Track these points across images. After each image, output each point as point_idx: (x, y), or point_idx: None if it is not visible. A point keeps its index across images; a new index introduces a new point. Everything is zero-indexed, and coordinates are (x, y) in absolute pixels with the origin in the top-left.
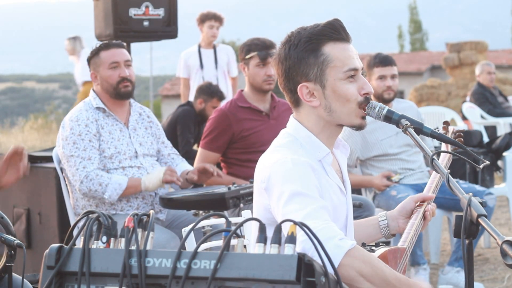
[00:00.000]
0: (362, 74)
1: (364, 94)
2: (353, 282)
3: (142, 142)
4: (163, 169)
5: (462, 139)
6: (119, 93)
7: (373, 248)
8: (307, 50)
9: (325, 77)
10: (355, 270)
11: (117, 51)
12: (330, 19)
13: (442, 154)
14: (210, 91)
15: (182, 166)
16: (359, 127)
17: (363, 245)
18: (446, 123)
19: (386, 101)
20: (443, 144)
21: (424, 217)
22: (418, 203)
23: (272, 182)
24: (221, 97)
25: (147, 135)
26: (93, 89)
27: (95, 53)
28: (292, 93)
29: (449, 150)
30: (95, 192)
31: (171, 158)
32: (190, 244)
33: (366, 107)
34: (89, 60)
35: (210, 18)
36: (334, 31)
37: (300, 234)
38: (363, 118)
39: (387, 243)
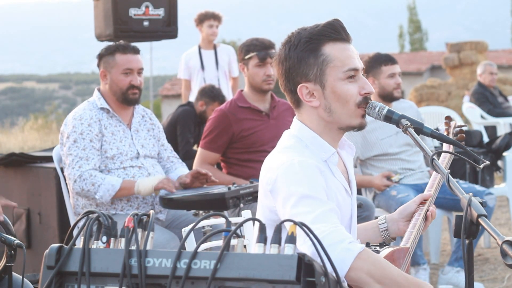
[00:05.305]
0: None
1: (364, 94)
2: (363, 284)
3: (144, 143)
4: (160, 177)
5: (463, 135)
6: (127, 99)
7: (378, 249)
8: (306, 50)
9: (325, 77)
10: (365, 273)
11: (133, 57)
12: (330, 19)
13: (442, 154)
14: (212, 95)
15: (180, 170)
16: (360, 127)
17: (368, 245)
18: (449, 118)
19: (396, 99)
20: (444, 144)
21: (425, 217)
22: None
23: (278, 185)
24: (222, 101)
25: (149, 137)
26: (98, 89)
27: (110, 52)
28: (293, 94)
29: (450, 150)
30: (87, 192)
31: (170, 161)
32: (190, 244)
33: (365, 106)
34: (101, 56)
35: (209, 18)
36: (334, 31)
37: (308, 239)
38: (363, 116)
39: (392, 238)
